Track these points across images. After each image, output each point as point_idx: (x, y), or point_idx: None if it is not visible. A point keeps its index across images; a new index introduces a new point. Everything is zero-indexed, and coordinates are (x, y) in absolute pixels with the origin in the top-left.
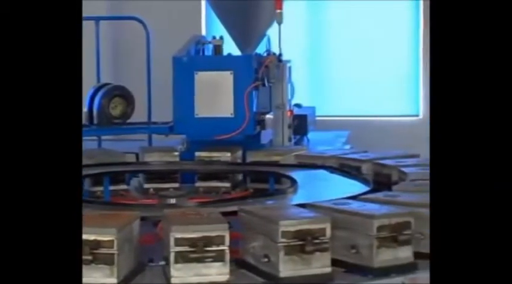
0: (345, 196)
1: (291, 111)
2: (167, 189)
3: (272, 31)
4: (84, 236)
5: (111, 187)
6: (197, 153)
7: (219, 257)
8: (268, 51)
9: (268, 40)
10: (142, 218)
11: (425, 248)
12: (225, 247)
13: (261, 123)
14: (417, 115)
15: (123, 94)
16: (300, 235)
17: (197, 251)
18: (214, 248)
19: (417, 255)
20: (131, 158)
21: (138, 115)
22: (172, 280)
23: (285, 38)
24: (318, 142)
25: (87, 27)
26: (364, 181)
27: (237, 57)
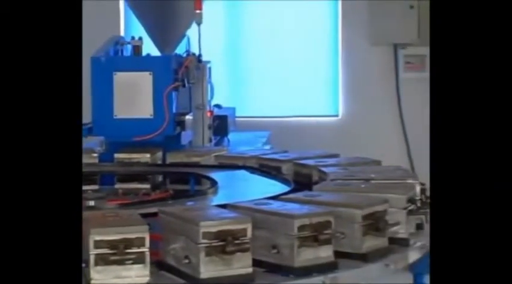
0: (265, 196)
1: (211, 111)
2: (86, 191)
3: (192, 31)
4: None
5: None
6: (116, 155)
7: (139, 259)
8: (188, 51)
9: (188, 40)
10: None
11: (345, 247)
12: (146, 249)
13: (181, 124)
14: (337, 116)
15: None
16: (221, 235)
17: (117, 254)
18: (134, 250)
19: (337, 254)
20: None
21: None
22: (92, 282)
23: (205, 38)
24: (238, 142)
25: None
26: (284, 181)
27: (156, 57)
